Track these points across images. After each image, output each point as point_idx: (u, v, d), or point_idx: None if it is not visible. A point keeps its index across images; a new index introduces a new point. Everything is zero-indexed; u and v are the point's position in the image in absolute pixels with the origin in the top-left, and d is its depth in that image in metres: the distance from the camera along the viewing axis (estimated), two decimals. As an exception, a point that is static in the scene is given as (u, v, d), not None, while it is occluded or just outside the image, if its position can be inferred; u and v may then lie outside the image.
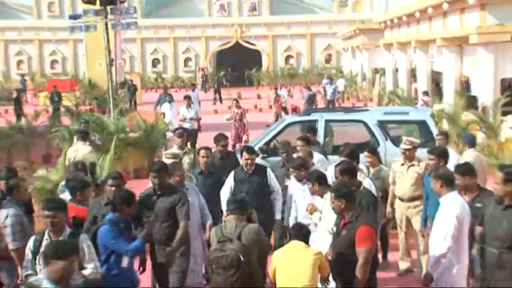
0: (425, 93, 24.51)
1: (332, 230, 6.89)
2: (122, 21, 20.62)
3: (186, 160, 10.60)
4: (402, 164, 9.36)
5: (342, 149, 8.93)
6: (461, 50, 22.65)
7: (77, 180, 8.10)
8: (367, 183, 8.04)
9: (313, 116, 12.90)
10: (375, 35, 37.46)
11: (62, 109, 26.50)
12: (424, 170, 9.00)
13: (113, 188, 7.54)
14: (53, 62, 59.70)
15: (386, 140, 12.08)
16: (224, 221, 7.57)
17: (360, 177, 8.05)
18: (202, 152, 9.64)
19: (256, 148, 10.91)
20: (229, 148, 13.32)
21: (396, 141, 12.24)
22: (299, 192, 8.56)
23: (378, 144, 12.01)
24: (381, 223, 9.22)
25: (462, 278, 6.69)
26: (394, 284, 9.16)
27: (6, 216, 7.53)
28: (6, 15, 61.65)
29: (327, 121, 12.52)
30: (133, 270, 7.19)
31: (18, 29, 59.24)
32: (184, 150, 10.98)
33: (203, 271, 8.80)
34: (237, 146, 18.75)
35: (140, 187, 9.15)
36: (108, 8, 19.56)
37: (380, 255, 9.21)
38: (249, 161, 9.13)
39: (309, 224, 7.39)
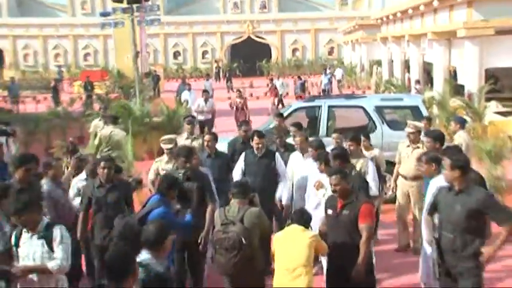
0: (418, 82, 24.41)
1: (327, 212, 6.41)
2: (147, 18, 20.65)
3: (195, 145, 10.09)
4: (408, 146, 9.09)
5: (346, 133, 8.75)
6: (450, 43, 22.51)
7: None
8: (377, 151, 8.79)
9: (317, 102, 12.87)
10: (373, 30, 37.23)
11: (94, 97, 26.62)
12: None
13: (105, 171, 7.16)
14: (86, 55, 59.72)
15: (383, 123, 12.04)
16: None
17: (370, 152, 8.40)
18: (206, 137, 9.38)
19: (264, 132, 10.91)
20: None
21: (391, 125, 12.23)
22: (312, 170, 8.10)
23: (376, 127, 11.98)
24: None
25: None
26: (391, 259, 8.84)
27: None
28: (44, 13, 61.75)
29: (329, 107, 12.46)
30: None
31: (55, 26, 59.33)
32: (193, 136, 10.59)
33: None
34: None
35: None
36: (134, 6, 19.63)
37: None
38: (259, 145, 8.61)
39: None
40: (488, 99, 17.68)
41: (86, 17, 58.91)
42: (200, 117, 18.07)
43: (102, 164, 7.27)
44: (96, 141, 12.52)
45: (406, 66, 30.11)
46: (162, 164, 8.65)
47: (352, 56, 46.87)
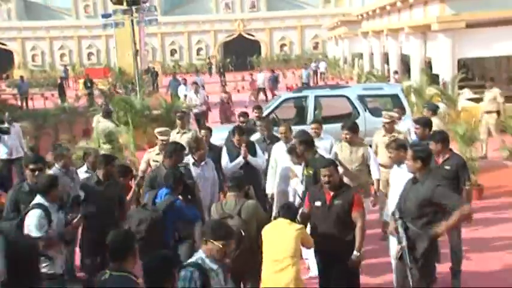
0: (396, 72, 24.37)
1: (314, 203, 6.01)
2: (145, 18, 20.58)
3: (184, 138, 9.56)
4: (384, 135, 8.75)
5: (344, 123, 8.42)
6: (425, 36, 22.47)
7: None
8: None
9: (304, 93, 12.87)
10: (354, 26, 37.06)
11: (97, 92, 26.47)
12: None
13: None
14: (89, 54, 59.38)
15: (365, 111, 12.05)
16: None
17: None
18: (202, 131, 9.13)
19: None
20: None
21: (373, 112, 12.22)
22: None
23: (359, 114, 11.98)
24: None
25: None
26: (372, 244, 8.23)
27: None
28: (49, 16, 61.41)
29: (316, 97, 12.48)
30: None
31: (61, 28, 58.96)
32: (183, 131, 10.11)
33: None
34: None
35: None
36: (134, 7, 19.51)
37: None
38: (239, 142, 8.24)
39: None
40: (461, 87, 17.70)
41: (88, 19, 58.53)
42: (195, 110, 17.79)
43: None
44: (95, 136, 12.57)
45: (385, 58, 30.08)
46: (153, 155, 8.37)
47: (336, 50, 46.77)
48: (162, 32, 57.49)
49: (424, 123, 7.97)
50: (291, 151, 7.47)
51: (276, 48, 58.85)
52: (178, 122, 10.44)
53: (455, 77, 17.80)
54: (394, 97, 12.27)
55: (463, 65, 20.35)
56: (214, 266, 4.42)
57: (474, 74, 22.16)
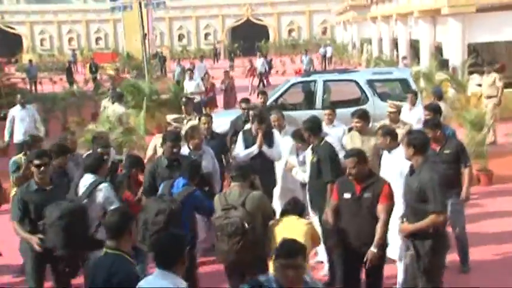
0: (404, 57, 24.19)
1: (343, 195, 5.56)
2: (153, 2, 20.54)
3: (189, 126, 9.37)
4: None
5: (353, 112, 7.88)
6: (435, 20, 22.24)
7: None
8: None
9: (312, 77, 12.77)
10: (363, 10, 36.75)
11: (105, 77, 26.49)
12: None
13: (41, 168, 5.77)
14: (97, 38, 59.39)
15: (374, 95, 11.95)
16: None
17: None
18: (202, 119, 8.59)
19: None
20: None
21: (382, 97, 12.13)
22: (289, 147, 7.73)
23: (368, 99, 11.89)
24: None
25: None
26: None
27: None
28: (58, 0, 61.18)
29: (324, 81, 12.36)
30: None
31: (69, 12, 58.94)
32: (189, 117, 9.69)
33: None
34: None
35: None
36: (141, -10, 19.43)
37: None
38: (259, 130, 7.77)
39: None
40: (470, 72, 17.56)
41: (96, 3, 58.40)
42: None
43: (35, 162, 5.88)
44: (104, 119, 12.46)
45: (394, 43, 29.85)
46: (160, 142, 8.04)
47: (344, 35, 46.49)
48: (170, 17, 57.32)
49: (434, 109, 7.81)
50: (295, 135, 7.31)
51: (284, 33, 58.58)
52: (183, 108, 10.19)
53: (465, 62, 17.67)
54: (403, 81, 12.16)
55: (473, 50, 20.16)
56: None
57: (484, 59, 21.92)
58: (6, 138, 12.39)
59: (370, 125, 7.98)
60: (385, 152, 6.70)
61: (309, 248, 5.29)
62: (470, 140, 10.53)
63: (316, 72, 15.74)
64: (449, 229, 6.41)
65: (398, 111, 8.33)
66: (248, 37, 55.73)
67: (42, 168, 5.69)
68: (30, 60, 32.90)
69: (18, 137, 12.13)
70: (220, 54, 50.73)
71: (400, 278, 6.24)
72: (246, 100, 9.98)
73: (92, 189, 5.82)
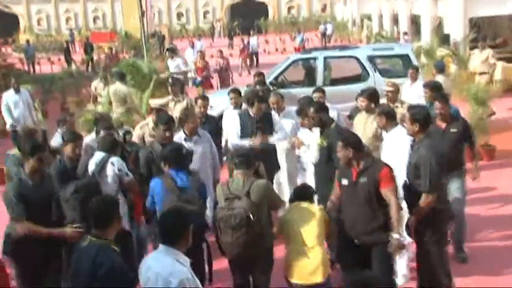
0: (405, 33, 24.09)
1: (341, 182, 5.34)
2: (151, -21, 20.23)
3: (178, 108, 8.92)
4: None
5: (362, 90, 7.57)
6: (436, -5, 22.10)
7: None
8: None
9: (313, 54, 12.71)
10: (363, -14, 36.56)
11: (103, 56, 26.28)
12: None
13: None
14: (95, 18, 58.86)
15: (375, 71, 11.90)
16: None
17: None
18: (199, 102, 8.07)
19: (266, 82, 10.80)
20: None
21: (383, 73, 12.08)
22: (289, 128, 7.49)
23: (368, 75, 11.84)
24: None
25: None
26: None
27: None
28: (54, -21, 60.78)
29: (325, 58, 12.31)
30: None
31: (66, -9, 58.50)
32: (178, 99, 9.33)
33: None
34: None
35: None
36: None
37: None
38: (258, 111, 7.33)
39: None
40: (472, 48, 17.46)
41: (93, -18, 57.95)
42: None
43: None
44: (105, 99, 12.24)
45: (395, 19, 29.65)
46: (149, 130, 7.73)
47: (344, 12, 46.17)
48: (169, -5, 56.93)
49: (433, 87, 7.71)
50: (300, 112, 7.05)
51: (283, 10, 58.13)
52: (170, 89, 9.76)
53: (466, 37, 17.56)
54: (405, 57, 12.10)
55: (475, 24, 20.02)
56: None
57: (486, 34, 21.77)
58: (8, 123, 11.76)
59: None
60: (384, 132, 6.55)
61: (324, 232, 5.21)
62: (472, 115, 10.51)
63: (316, 49, 15.60)
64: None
65: (397, 90, 8.06)
66: (247, 15, 55.28)
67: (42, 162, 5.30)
68: (28, 41, 32.71)
69: (9, 125, 11.71)
70: (220, 32, 50.26)
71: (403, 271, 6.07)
72: (260, 74, 10.08)
73: (103, 164, 5.88)
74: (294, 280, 5.12)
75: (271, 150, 7.41)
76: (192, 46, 22.13)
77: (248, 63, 26.40)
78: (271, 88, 11.26)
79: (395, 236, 4.97)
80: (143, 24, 20.37)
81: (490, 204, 8.32)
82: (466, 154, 6.80)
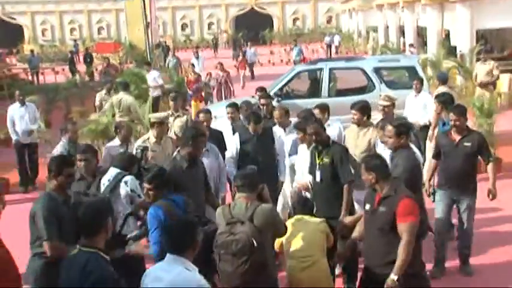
0: (411, 45, 24.14)
1: (365, 206, 4.98)
2: (156, -10, 20.37)
3: (177, 123, 8.86)
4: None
5: (354, 103, 7.24)
6: (442, 7, 22.15)
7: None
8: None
9: (319, 65, 12.75)
10: (369, -2, 36.71)
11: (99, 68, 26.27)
12: None
13: (83, 163, 5.91)
14: (100, 28, 59.30)
15: (381, 83, 11.93)
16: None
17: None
18: (201, 116, 7.83)
19: (271, 94, 10.80)
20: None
21: (389, 84, 12.12)
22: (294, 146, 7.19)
23: (374, 87, 11.87)
24: None
25: None
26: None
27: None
28: (59, -10, 61.29)
29: (330, 69, 12.34)
30: None
31: (70, 2, 58.73)
32: (177, 114, 9.21)
33: None
34: None
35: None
36: (144, -21, 19.34)
37: None
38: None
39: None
40: (478, 60, 17.48)
41: (98, -7, 58.43)
42: (154, 94, 15.84)
43: (78, 156, 6.01)
44: (108, 108, 12.21)
45: (401, 31, 29.74)
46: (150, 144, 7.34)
47: (350, 24, 46.37)
48: (173, 6, 57.26)
49: (444, 101, 7.64)
50: (299, 127, 6.63)
51: (288, 22, 58.41)
52: (170, 103, 9.56)
53: (473, 49, 17.59)
54: (411, 69, 12.13)
55: (481, 36, 20.06)
56: None
57: (493, 46, 21.83)
58: (13, 138, 11.41)
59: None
60: (380, 146, 6.43)
61: (326, 246, 5.19)
62: (478, 128, 10.49)
63: (322, 60, 15.64)
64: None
65: (393, 104, 7.63)
66: (252, 26, 55.55)
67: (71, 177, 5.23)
68: (32, 51, 32.90)
69: (16, 136, 11.35)
70: (225, 44, 50.40)
71: None
72: (262, 89, 9.41)
73: (117, 182, 5.69)
74: None
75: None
76: (197, 57, 22.22)
77: (246, 74, 26.20)
78: (277, 99, 11.34)
79: (392, 276, 4.49)
80: (148, 35, 20.48)
81: (495, 216, 8.28)
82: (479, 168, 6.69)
